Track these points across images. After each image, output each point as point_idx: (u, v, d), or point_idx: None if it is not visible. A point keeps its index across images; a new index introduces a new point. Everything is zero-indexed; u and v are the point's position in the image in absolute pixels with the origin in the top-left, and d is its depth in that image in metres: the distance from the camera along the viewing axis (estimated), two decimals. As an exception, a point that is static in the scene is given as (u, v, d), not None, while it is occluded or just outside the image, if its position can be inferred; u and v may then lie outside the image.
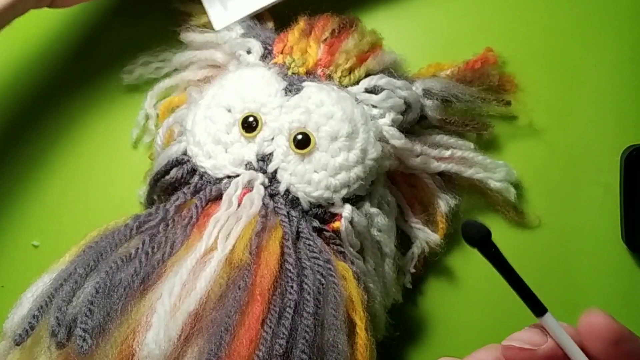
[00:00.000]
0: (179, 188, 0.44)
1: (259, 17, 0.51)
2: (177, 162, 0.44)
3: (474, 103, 0.47)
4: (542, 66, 0.54)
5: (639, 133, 0.52)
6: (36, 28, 0.55)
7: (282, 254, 0.39)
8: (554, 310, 0.38)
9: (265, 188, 0.42)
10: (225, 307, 0.37)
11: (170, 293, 0.36)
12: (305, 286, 0.38)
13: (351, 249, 0.43)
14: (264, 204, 0.42)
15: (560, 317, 0.40)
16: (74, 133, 0.53)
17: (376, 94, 0.45)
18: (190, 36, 0.51)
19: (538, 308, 0.29)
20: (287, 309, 0.37)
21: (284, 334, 0.36)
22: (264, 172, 0.43)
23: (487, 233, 0.29)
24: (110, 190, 0.52)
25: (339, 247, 0.42)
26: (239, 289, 0.37)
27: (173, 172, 0.45)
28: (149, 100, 0.52)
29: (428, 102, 0.47)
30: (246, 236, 0.39)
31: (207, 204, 0.42)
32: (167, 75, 0.52)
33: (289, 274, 0.38)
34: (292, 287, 0.38)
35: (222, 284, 0.37)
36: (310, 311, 0.37)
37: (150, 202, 0.47)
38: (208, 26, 0.51)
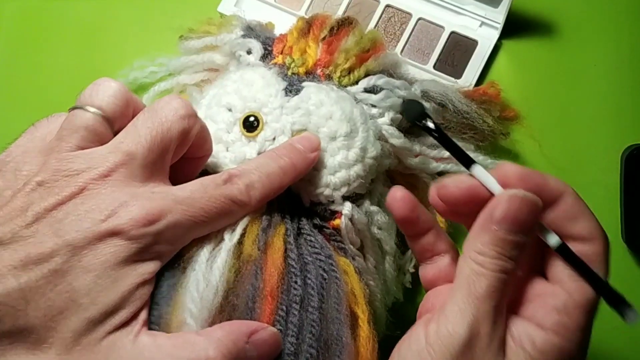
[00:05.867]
0: (180, 187, 0.44)
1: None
2: (178, 161, 0.45)
3: (471, 115, 0.47)
4: (541, 65, 0.55)
5: (639, 133, 0.52)
6: (36, 32, 0.56)
7: (285, 249, 0.39)
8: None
9: (267, 186, 0.42)
10: (238, 307, 0.36)
11: (197, 287, 0.35)
12: (309, 281, 0.38)
13: (351, 247, 0.43)
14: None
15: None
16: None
17: (375, 93, 0.45)
18: (188, 44, 0.51)
19: (467, 161, 0.35)
20: (294, 304, 0.37)
21: (293, 330, 0.36)
22: (265, 170, 0.43)
23: (423, 109, 0.38)
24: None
25: (339, 243, 0.42)
26: (252, 287, 0.36)
27: (174, 171, 0.45)
28: (144, 102, 0.52)
29: (426, 105, 0.47)
30: (253, 232, 0.39)
31: (208, 203, 0.42)
32: (162, 79, 0.52)
33: (292, 270, 0.38)
34: (296, 282, 0.38)
35: (232, 279, 0.36)
36: (315, 305, 0.37)
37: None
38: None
